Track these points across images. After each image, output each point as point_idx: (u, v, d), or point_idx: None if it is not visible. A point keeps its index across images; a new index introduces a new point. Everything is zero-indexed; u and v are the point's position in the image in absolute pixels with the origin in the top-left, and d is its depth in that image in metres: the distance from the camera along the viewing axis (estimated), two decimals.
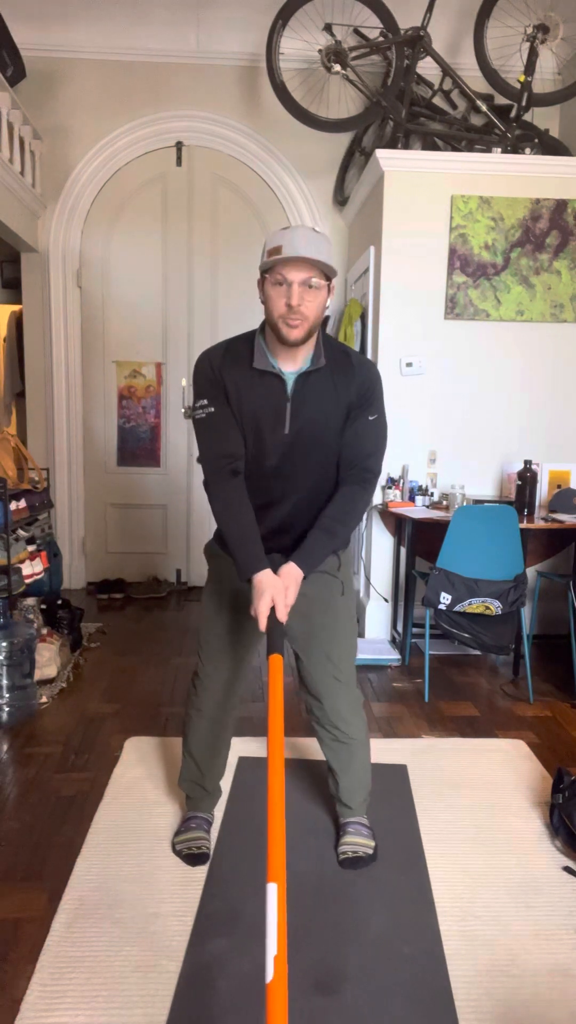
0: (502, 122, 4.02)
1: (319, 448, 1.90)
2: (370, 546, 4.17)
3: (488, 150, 3.99)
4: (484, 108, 4.09)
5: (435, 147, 4.27)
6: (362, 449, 1.93)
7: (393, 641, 4.07)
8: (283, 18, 3.93)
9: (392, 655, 3.76)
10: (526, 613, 3.69)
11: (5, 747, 2.76)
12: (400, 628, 3.96)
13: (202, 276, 4.96)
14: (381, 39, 3.98)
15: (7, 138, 4.07)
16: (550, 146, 4.28)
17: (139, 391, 5.05)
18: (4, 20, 4.09)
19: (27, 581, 3.57)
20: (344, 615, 2.10)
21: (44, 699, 3.14)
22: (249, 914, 1.86)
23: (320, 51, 3.91)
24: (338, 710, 2.07)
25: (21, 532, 3.69)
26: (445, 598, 3.20)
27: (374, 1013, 1.57)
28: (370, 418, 1.93)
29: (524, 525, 3.43)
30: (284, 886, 1.08)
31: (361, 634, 4.12)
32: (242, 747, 2.71)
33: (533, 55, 3.96)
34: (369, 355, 4.14)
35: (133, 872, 2.03)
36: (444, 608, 3.21)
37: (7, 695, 2.94)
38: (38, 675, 3.20)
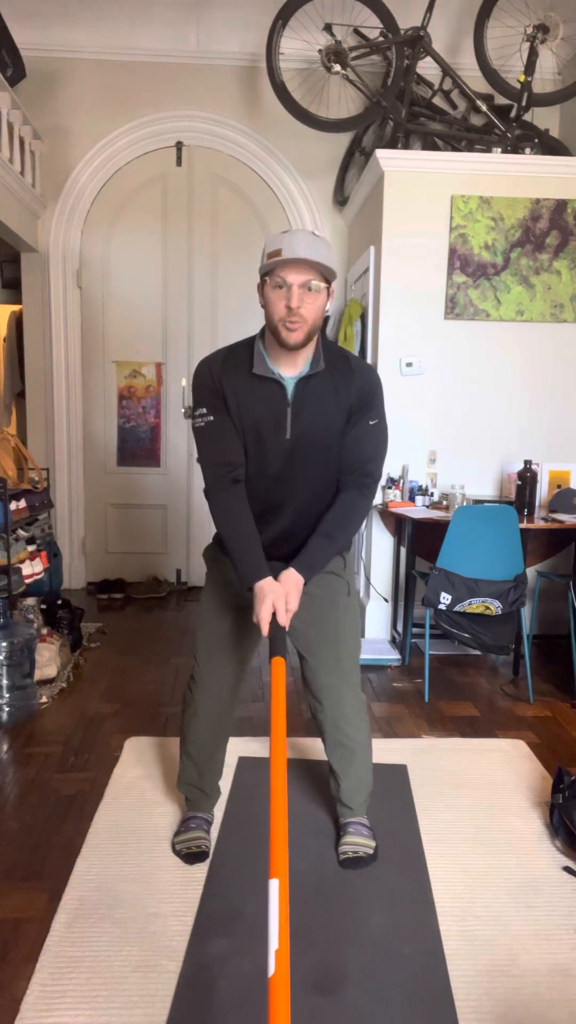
0: (502, 122, 4.02)
1: (320, 452, 1.91)
2: (370, 546, 4.17)
3: (488, 150, 3.99)
4: (484, 108, 4.09)
5: (435, 147, 4.27)
6: (362, 454, 1.94)
7: (393, 641, 4.07)
8: (283, 18, 3.93)
9: (392, 655, 3.76)
10: (526, 613, 3.69)
11: (5, 747, 2.76)
12: (400, 628, 3.96)
13: (202, 276, 4.96)
14: (381, 39, 3.98)
15: (7, 138, 4.07)
16: (550, 146, 4.29)
17: (139, 391, 5.05)
18: (4, 20, 4.09)
19: (27, 581, 3.57)
20: (350, 616, 2.10)
21: (44, 699, 3.14)
22: (249, 914, 1.86)
23: (320, 51, 3.91)
24: (343, 712, 2.07)
25: (21, 532, 3.69)
26: (445, 598, 3.20)
27: (374, 1013, 1.57)
28: (370, 423, 1.93)
29: (524, 525, 3.42)
30: (286, 882, 1.08)
31: (361, 634, 4.11)
32: (242, 747, 2.71)
33: (533, 55, 3.96)
34: (369, 355, 4.15)
35: (133, 872, 2.03)
36: (444, 608, 3.21)
37: (7, 695, 2.94)
38: (38, 675, 3.20)
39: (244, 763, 2.62)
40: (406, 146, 4.15)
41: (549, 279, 3.95)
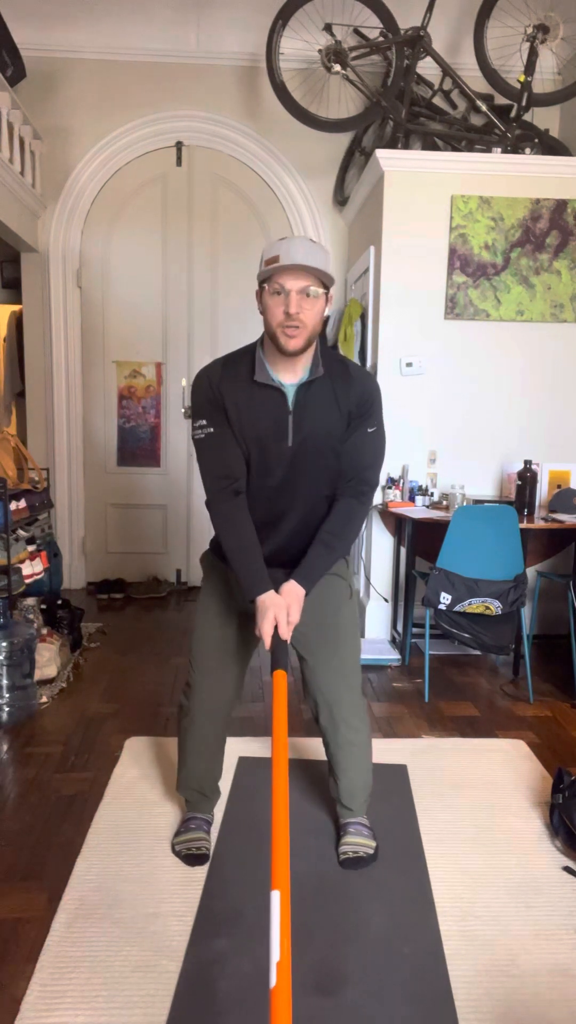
0: (502, 122, 4.02)
1: (323, 458, 1.91)
2: (370, 546, 4.17)
3: (488, 150, 3.99)
4: (484, 108, 4.09)
5: (435, 147, 4.27)
6: (360, 461, 1.94)
7: (393, 641, 4.07)
8: (283, 18, 3.93)
9: (392, 655, 3.76)
10: (526, 613, 3.69)
11: (5, 747, 2.76)
12: (400, 628, 3.96)
13: (202, 276, 4.96)
14: (381, 39, 3.98)
15: (7, 138, 4.07)
16: (550, 146, 4.29)
17: (139, 391, 5.05)
18: (4, 20, 4.09)
19: (27, 581, 3.57)
20: (351, 617, 2.11)
21: (44, 699, 3.14)
22: (249, 914, 1.86)
23: (320, 51, 3.91)
24: (342, 713, 2.07)
25: (21, 532, 3.69)
26: (445, 598, 3.20)
27: (374, 1013, 1.57)
28: (369, 430, 1.93)
29: (524, 525, 3.43)
30: (288, 894, 1.08)
31: (361, 634, 4.11)
32: (242, 747, 2.71)
33: (533, 55, 3.96)
34: (369, 355, 4.15)
35: (133, 872, 2.03)
36: (444, 608, 3.21)
37: (7, 695, 2.94)
38: (38, 675, 3.20)
39: (244, 763, 2.62)
40: (406, 146, 4.15)
41: (549, 279, 3.95)
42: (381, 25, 3.94)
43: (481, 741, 2.88)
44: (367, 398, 1.91)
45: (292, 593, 1.88)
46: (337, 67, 3.89)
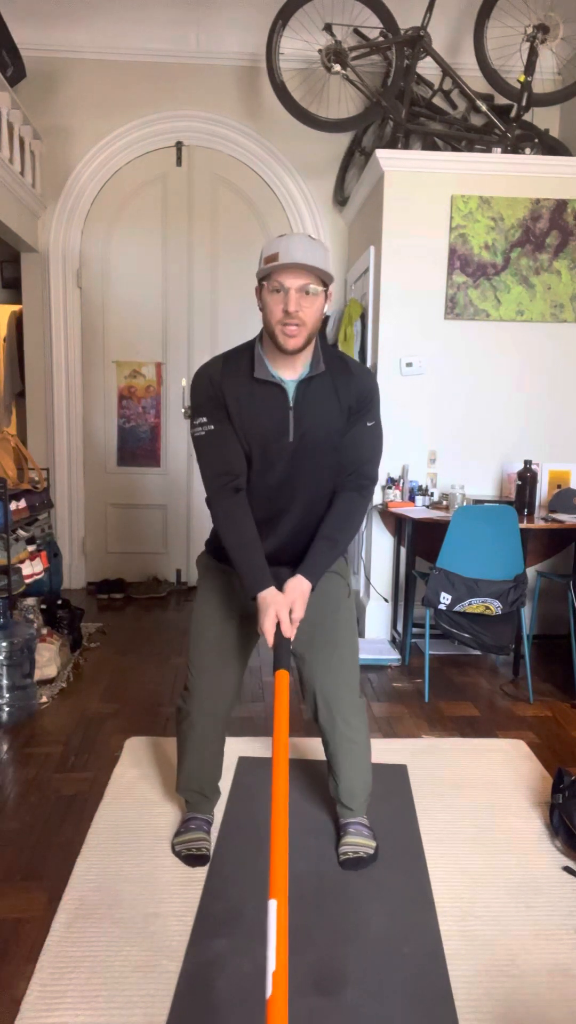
0: (502, 122, 4.02)
1: (324, 454, 1.91)
2: (370, 546, 4.17)
3: (488, 150, 3.99)
4: (484, 108, 4.09)
5: (435, 147, 4.27)
6: (359, 455, 1.95)
7: (393, 641, 4.07)
8: (283, 18, 3.93)
9: (392, 655, 3.76)
10: (526, 613, 3.69)
11: (5, 747, 2.76)
12: (400, 628, 3.96)
13: (202, 276, 4.96)
14: (381, 39, 3.98)
15: (7, 138, 4.07)
16: (550, 146, 4.29)
17: (139, 391, 5.05)
18: (4, 20, 4.09)
19: (27, 581, 3.57)
20: (350, 615, 2.11)
21: (44, 699, 3.14)
22: (249, 914, 1.86)
23: (320, 51, 3.91)
24: (342, 711, 2.07)
25: (21, 532, 3.69)
26: (445, 598, 3.20)
27: (374, 1013, 1.57)
28: (368, 424, 1.94)
29: (524, 525, 3.43)
30: (285, 903, 1.08)
31: (361, 634, 4.12)
32: (242, 747, 2.71)
33: (533, 55, 3.96)
34: (369, 355, 4.15)
35: (133, 872, 2.03)
36: (444, 608, 3.21)
37: (7, 695, 2.94)
38: (38, 675, 3.20)
39: (244, 763, 2.62)
40: (406, 146, 4.15)
41: (549, 279, 3.95)
42: (381, 25, 3.94)
43: (481, 741, 2.88)
44: (366, 393, 1.92)
45: (297, 589, 1.87)
46: (337, 67, 3.89)
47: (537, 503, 3.75)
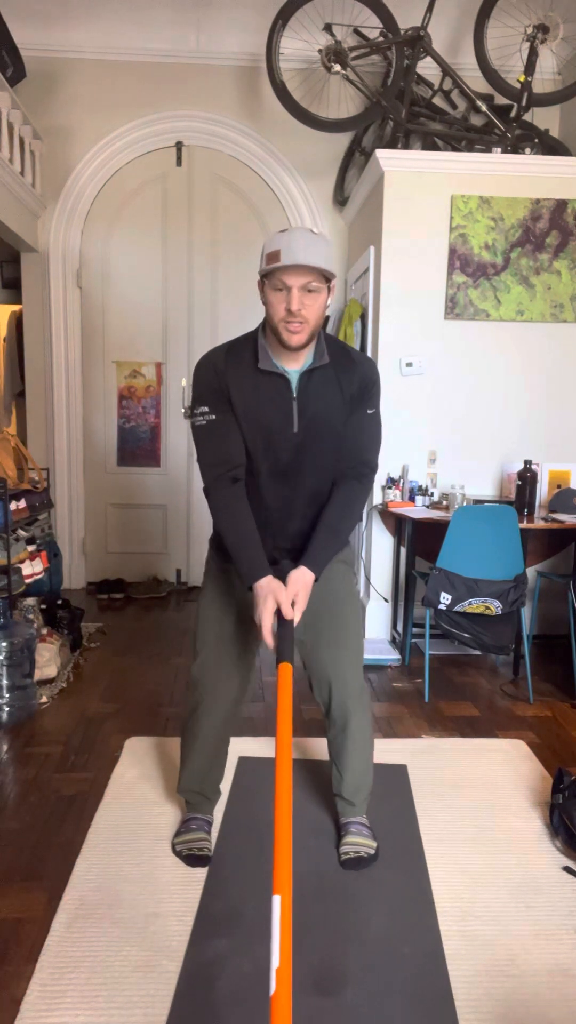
0: (502, 122, 4.02)
1: (328, 443, 1.92)
2: (370, 546, 4.17)
3: (488, 150, 3.99)
4: (484, 108, 4.09)
5: (435, 147, 4.27)
6: (360, 443, 1.95)
7: (393, 641, 4.07)
8: (283, 18, 3.93)
9: (392, 655, 3.76)
10: (526, 613, 3.69)
11: (5, 747, 2.76)
12: (400, 628, 3.96)
13: (202, 276, 4.96)
14: (381, 39, 3.98)
15: (7, 138, 4.07)
16: (550, 146, 4.29)
17: (139, 391, 5.05)
18: (4, 20, 4.09)
19: (27, 581, 3.57)
20: (356, 605, 2.13)
21: (44, 699, 3.14)
22: (249, 914, 1.86)
23: (320, 51, 3.91)
24: (352, 698, 2.07)
25: (21, 532, 3.69)
26: (445, 598, 3.20)
27: (374, 1013, 1.57)
28: (368, 412, 1.95)
29: (524, 525, 3.43)
30: (289, 898, 1.07)
31: (361, 633, 4.11)
32: (242, 747, 2.71)
33: (533, 55, 3.96)
34: (369, 355, 4.14)
35: (133, 872, 2.03)
36: (444, 608, 3.21)
37: (7, 695, 2.94)
38: (38, 675, 3.20)
39: (244, 763, 2.62)
40: (406, 146, 4.15)
41: (549, 279, 3.95)
42: (381, 25, 3.94)
43: (481, 741, 2.88)
44: (368, 380, 1.93)
45: (300, 580, 1.86)
46: (337, 67, 3.89)
47: (537, 503, 3.75)
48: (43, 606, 3.64)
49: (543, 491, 3.93)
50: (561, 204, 3.90)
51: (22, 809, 2.34)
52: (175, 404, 5.05)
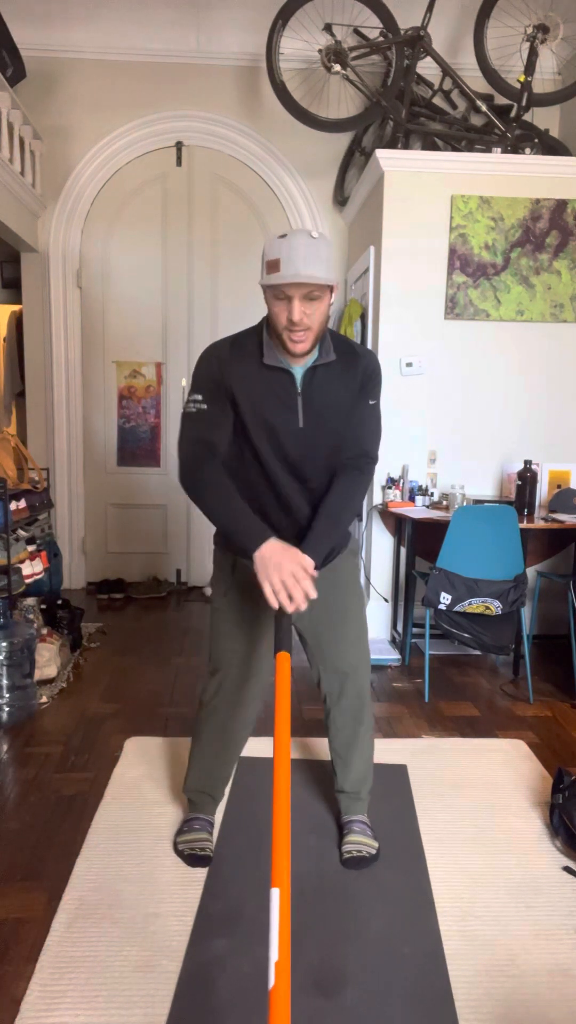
0: (502, 122, 4.02)
1: (334, 437, 1.92)
2: (370, 546, 4.17)
3: (488, 150, 3.99)
4: (484, 108, 4.09)
5: (435, 147, 4.27)
6: (362, 433, 1.95)
7: (393, 641, 4.07)
8: (283, 18, 3.93)
9: (392, 655, 3.76)
10: (526, 613, 3.69)
11: (5, 747, 2.76)
12: (400, 628, 3.96)
13: (202, 276, 4.96)
14: (381, 39, 3.98)
15: (7, 138, 4.07)
16: (550, 146, 4.29)
17: (139, 391, 5.05)
18: (4, 20, 4.09)
19: (27, 581, 3.57)
20: (361, 595, 2.14)
21: (44, 699, 3.14)
22: (249, 914, 1.86)
23: (320, 51, 3.91)
24: (357, 688, 2.08)
25: (21, 532, 3.69)
26: (445, 598, 3.20)
27: (374, 1013, 1.57)
28: (370, 402, 1.95)
29: (524, 525, 3.43)
30: (288, 891, 1.07)
31: None
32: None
33: (533, 55, 3.96)
34: None
35: (133, 872, 2.03)
36: (444, 608, 3.21)
37: (7, 695, 2.94)
38: (38, 675, 3.20)
39: (244, 763, 2.61)
40: (406, 146, 4.15)
41: (549, 279, 3.95)
42: (381, 25, 3.94)
43: (481, 741, 2.88)
44: (371, 372, 1.94)
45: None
46: (337, 67, 3.89)
47: (537, 503, 3.75)
48: (43, 606, 3.64)
49: (543, 491, 3.93)
50: (561, 204, 3.90)
51: (22, 809, 2.34)
52: (175, 404, 5.05)
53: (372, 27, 4.07)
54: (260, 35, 4.38)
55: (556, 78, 4.69)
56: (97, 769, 2.59)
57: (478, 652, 3.88)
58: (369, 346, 4.15)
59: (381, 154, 3.84)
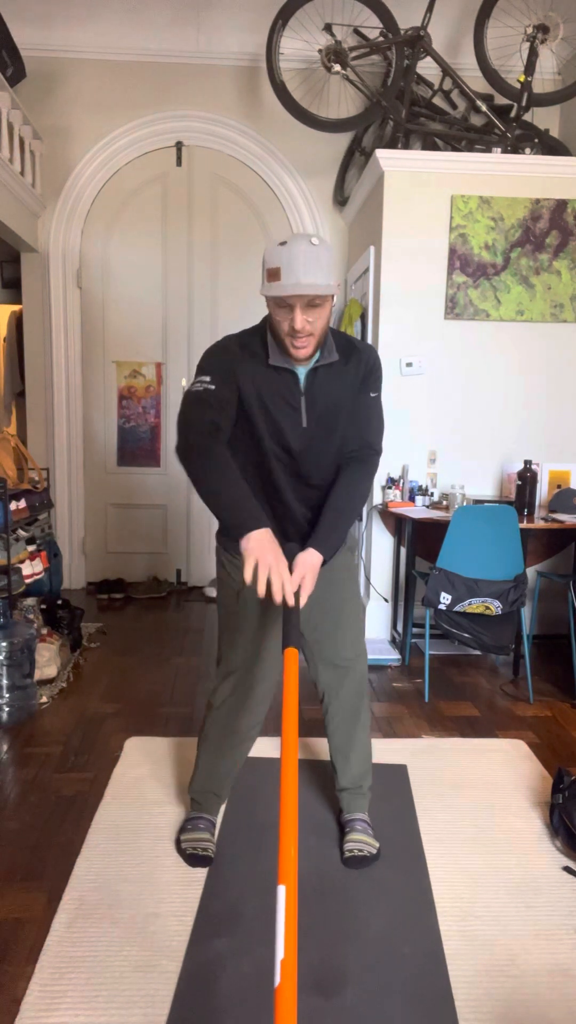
0: (502, 122, 4.02)
1: (337, 436, 1.93)
2: (370, 546, 4.17)
3: (488, 150, 3.99)
4: (484, 108, 4.09)
5: (435, 147, 4.27)
6: (366, 426, 1.96)
7: (393, 641, 4.07)
8: (283, 18, 3.93)
9: (392, 655, 3.76)
10: (526, 613, 3.69)
11: (5, 747, 2.76)
12: (400, 628, 3.96)
13: (202, 276, 4.96)
14: (381, 39, 3.98)
15: (7, 138, 4.07)
16: (550, 146, 4.29)
17: (139, 391, 5.05)
18: (4, 20, 4.09)
19: (27, 581, 3.57)
20: (358, 591, 2.15)
21: (44, 699, 3.14)
22: (249, 914, 1.86)
23: (320, 51, 3.91)
24: (355, 683, 2.09)
25: (21, 532, 3.69)
26: (445, 598, 3.20)
27: (374, 1013, 1.57)
28: (372, 395, 1.97)
29: (524, 525, 3.43)
30: (295, 888, 1.07)
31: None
32: None
33: (533, 55, 3.96)
34: None
35: (133, 872, 2.03)
36: (444, 608, 3.21)
37: (7, 695, 2.94)
38: (38, 675, 3.20)
39: (245, 763, 2.60)
40: (406, 146, 4.15)
41: (549, 279, 3.95)
42: (381, 25, 3.94)
43: (481, 741, 2.88)
44: (372, 365, 1.95)
45: (308, 562, 1.82)
46: (337, 67, 3.90)
47: (537, 503, 3.75)
48: (43, 606, 3.64)
49: (543, 491, 3.94)
50: (561, 204, 3.90)
51: (22, 809, 2.34)
52: (175, 404, 5.05)
53: (372, 27, 4.07)
54: (260, 35, 4.38)
55: (556, 78, 4.69)
56: (97, 769, 2.59)
57: (478, 652, 3.88)
58: None
59: (381, 154, 3.84)
